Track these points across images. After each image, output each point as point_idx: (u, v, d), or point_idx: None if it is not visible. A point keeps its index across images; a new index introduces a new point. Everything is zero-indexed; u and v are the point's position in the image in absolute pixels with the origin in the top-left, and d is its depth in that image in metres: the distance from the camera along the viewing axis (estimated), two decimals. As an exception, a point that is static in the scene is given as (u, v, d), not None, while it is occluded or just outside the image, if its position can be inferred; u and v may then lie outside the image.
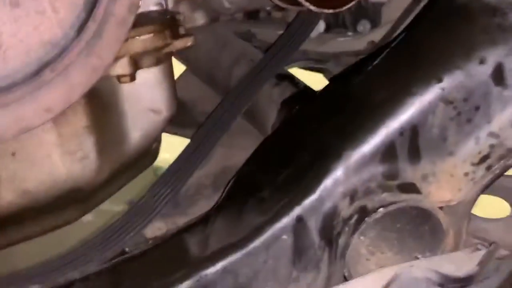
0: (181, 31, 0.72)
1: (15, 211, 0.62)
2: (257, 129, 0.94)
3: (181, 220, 0.93)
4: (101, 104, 0.65)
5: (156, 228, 0.85)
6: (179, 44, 0.70)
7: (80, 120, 0.62)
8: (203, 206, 0.96)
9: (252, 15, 0.91)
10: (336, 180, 0.57)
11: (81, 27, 0.49)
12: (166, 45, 0.68)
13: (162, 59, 0.69)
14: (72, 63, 0.49)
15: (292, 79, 0.95)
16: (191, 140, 0.88)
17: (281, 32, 0.97)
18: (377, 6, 1.13)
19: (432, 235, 0.55)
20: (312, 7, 0.73)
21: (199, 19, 0.80)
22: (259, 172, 0.69)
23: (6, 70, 0.44)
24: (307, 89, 0.90)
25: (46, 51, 0.47)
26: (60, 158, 0.62)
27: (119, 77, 0.64)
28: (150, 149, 0.79)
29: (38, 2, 0.45)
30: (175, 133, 1.11)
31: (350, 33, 1.21)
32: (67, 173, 0.63)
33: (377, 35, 1.17)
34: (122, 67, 0.63)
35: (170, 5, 0.74)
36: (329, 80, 0.74)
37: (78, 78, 0.50)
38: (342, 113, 0.61)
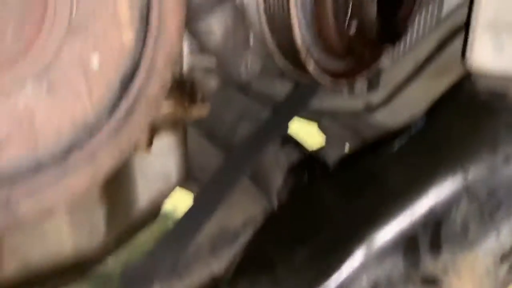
0: (198, 97, 0.71)
1: (17, 283, 0.58)
2: (261, 191, 0.93)
3: (178, 285, 0.90)
4: (113, 174, 0.63)
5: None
6: (196, 111, 0.69)
7: (92, 192, 0.60)
8: (200, 268, 0.94)
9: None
10: (358, 265, 0.56)
11: (113, 108, 0.47)
12: (184, 113, 0.67)
13: (178, 126, 0.68)
14: (100, 144, 0.47)
15: (297, 143, 0.95)
16: (193, 202, 0.86)
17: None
18: (376, 70, 1.16)
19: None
20: (328, 83, 0.74)
21: (212, 83, 0.80)
22: (271, 247, 0.67)
23: (36, 153, 0.42)
24: (313, 156, 0.90)
25: (77, 133, 0.45)
26: (68, 230, 0.59)
27: (135, 147, 0.62)
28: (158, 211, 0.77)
29: (74, 85, 0.44)
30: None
31: (346, 93, 1.23)
32: (74, 246, 0.61)
33: (375, 97, 1.19)
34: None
35: (185, 70, 0.74)
36: (344, 157, 0.75)
37: (105, 161, 0.48)
38: (363, 196, 0.61)
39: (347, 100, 1.22)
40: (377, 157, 0.66)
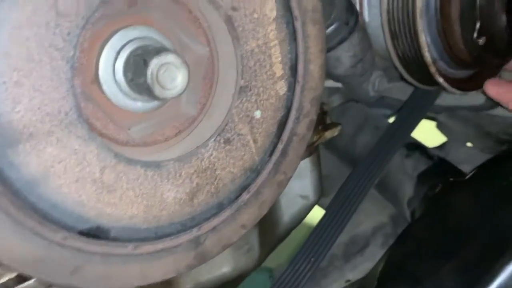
0: (328, 120, 0.77)
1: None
2: (390, 201, 0.97)
3: (318, 293, 0.97)
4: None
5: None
6: (328, 134, 0.75)
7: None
8: (336, 277, 1.00)
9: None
10: (504, 285, 0.59)
11: (272, 150, 0.55)
12: (319, 139, 0.74)
13: (313, 151, 0.75)
14: (264, 183, 0.55)
15: (424, 149, 0.97)
16: (325, 213, 0.92)
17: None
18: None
19: None
20: (457, 92, 0.76)
21: (336, 101, 0.86)
22: (413, 261, 0.72)
23: (218, 196, 0.51)
24: (442, 161, 0.92)
25: (246, 177, 0.53)
26: (230, 252, 0.69)
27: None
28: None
29: (243, 136, 0.52)
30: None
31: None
32: (234, 266, 0.70)
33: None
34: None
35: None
36: (481, 165, 0.76)
37: (267, 195, 0.56)
38: (508, 210, 0.63)
39: (465, 95, 1.21)
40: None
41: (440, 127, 1.28)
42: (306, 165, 0.76)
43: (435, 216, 0.77)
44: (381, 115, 1.08)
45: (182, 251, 0.50)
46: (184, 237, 0.50)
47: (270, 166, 0.55)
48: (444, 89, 0.74)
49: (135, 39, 0.47)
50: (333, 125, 0.76)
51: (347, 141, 1.08)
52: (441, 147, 1.26)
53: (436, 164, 0.91)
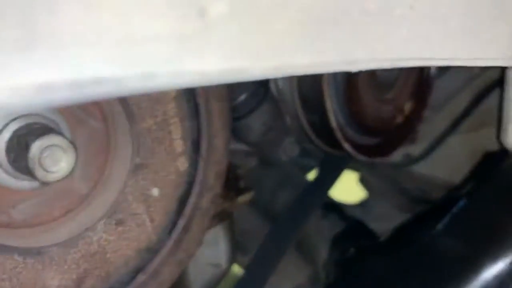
0: (241, 184, 0.77)
1: None
2: (306, 261, 0.97)
3: None
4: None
5: None
6: (241, 200, 0.75)
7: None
8: None
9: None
10: None
11: (172, 228, 0.53)
12: (231, 205, 0.73)
13: (225, 218, 0.74)
14: (162, 262, 0.53)
15: (341, 210, 0.99)
16: (244, 273, 0.91)
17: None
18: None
19: None
20: (364, 159, 0.79)
21: (252, 162, 0.86)
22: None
23: (108, 280, 0.49)
24: (357, 224, 0.93)
25: (142, 258, 0.51)
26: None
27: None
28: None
29: (138, 216, 0.50)
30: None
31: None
32: None
33: (415, 149, 1.22)
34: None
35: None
36: (394, 230, 0.78)
37: (167, 275, 0.54)
38: (420, 271, 0.64)
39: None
40: (424, 230, 0.69)
41: (362, 181, 1.31)
42: (218, 232, 0.75)
43: (347, 281, 0.77)
44: (301, 174, 1.09)
45: None
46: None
47: (170, 244, 0.53)
48: (350, 155, 0.76)
49: (22, 117, 0.45)
50: (246, 190, 0.75)
51: (268, 198, 1.08)
52: (362, 203, 1.29)
53: (352, 227, 0.93)
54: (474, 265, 0.61)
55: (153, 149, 0.50)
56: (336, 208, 0.98)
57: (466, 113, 1.09)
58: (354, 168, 1.33)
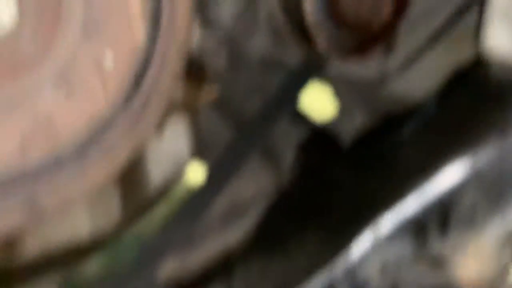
0: (206, 80, 0.74)
1: (38, 263, 0.64)
2: (271, 167, 0.97)
3: (192, 259, 0.95)
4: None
5: (169, 269, 0.87)
6: (204, 95, 0.72)
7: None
8: (213, 242, 0.99)
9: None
10: (366, 247, 0.60)
11: (127, 102, 0.50)
12: (193, 98, 0.70)
13: (189, 109, 0.71)
14: (116, 138, 0.50)
15: (308, 117, 0.97)
16: (206, 176, 0.90)
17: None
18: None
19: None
20: (340, 58, 0.76)
21: (221, 63, 0.82)
22: (283, 225, 0.72)
23: (57, 151, 0.46)
24: (325, 131, 0.92)
25: (94, 129, 0.48)
26: (85, 212, 0.64)
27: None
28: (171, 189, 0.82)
29: (90, 84, 0.46)
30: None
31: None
32: (91, 227, 0.65)
33: (390, 64, 1.20)
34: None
35: (195, 53, 0.76)
36: (357, 136, 0.77)
37: (121, 152, 0.51)
38: (375, 177, 0.64)
39: (363, 67, 1.23)
40: (389, 139, 0.68)
41: (335, 97, 1.30)
42: (180, 124, 0.73)
43: (309, 183, 0.77)
44: (273, 80, 1.06)
45: (12, 210, 0.45)
46: (15, 195, 0.45)
47: (125, 120, 0.51)
48: (327, 54, 0.73)
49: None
50: (212, 86, 0.72)
51: (238, 104, 1.06)
52: (333, 117, 1.28)
53: (319, 134, 0.92)
54: (440, 164, 0.60)
55: (109, 12, 0.45)
56: (306, 116, 0.96)
57: (443, 29, 1.06)
58: (330, 83, 1.31)
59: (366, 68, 1.25)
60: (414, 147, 0.63)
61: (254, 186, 1.05)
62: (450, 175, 0.60)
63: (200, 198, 0.85)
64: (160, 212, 0.91)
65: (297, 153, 0.91)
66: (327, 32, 0.73)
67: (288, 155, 0.96)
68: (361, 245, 0.61)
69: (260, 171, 1.05)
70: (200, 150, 1.05)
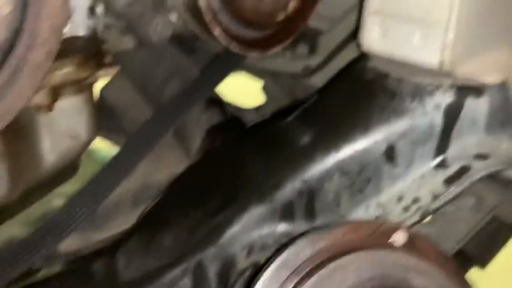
0: (107, 59, 0.74)
1: None
2: (183, 151, 0.98)
3: (96, 236, 0.96)
4: (15, 131, 0.66)
5: (69, 244, 0.87)
6: (102, 74, 0.72)
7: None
8: (121, 222, 0.99)
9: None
10: (237, 232, 0.62)
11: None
12: (89, 76, 0.70)
13: (83, 88, 0.72)
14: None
15: (222, 105, 0.99)
16: (116, 154, 0.90)
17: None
18: (315, 32, 1.19)
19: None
20: (238, 51, 0.77)
21: (128, 43, 0.82)
22: (170, 207, 0.73)
23: None
24: (234, 119, 0.94)
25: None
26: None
27: (36, 107, 0.65)
28: (69, 168, 0.81)
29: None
30: (102, 137, 1.13)
31: (288, 54, 1.26)
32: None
33: (313, 61, 1.23)
34: (40, 98, 0.65)
35: (100, 29, 0.76)
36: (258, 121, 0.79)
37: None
38: (254, 163, 0.66)
39: (288, 62, 1.25)
40: (276, 124, 0.70)
41: (263, 89, 1.32)
42: (77, 102, 0.73)
43: (202, 166, 0.78)
44: (194, 65, 1.07)
45: None
46: None
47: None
48: (224, 45, 0.74)
49: None
50: (109, 65, 0.72)
51: (158, 86, 1.07)
52: (258, 108, 1.30)
53: (228, 121, 0.93)
54: (311, 153, 0.63)
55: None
56: (218, 103, 0.98)
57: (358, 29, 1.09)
58: (259, 76, 1.33)
59: (293, 62, 1.27)
60: (293, 135, 0.65)
61: (168, 169, 1.06)
62: (316, 166, 0.62)
63: (109, 174, 0.84)
64: (61, 187, 0.91)
65: (203, 138, 0.92)
66: (226, 23, 0.74)
67: (196, 140, 0.98)
68: (234, 227, 0.63)
69: (174, 155, 1.06)
70: (112, 127, 1.06)
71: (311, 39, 1.22)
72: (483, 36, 0.57)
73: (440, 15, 0.53)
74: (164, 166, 1.04)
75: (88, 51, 0.70)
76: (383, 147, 0.60)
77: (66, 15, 0.53)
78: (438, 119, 0.59)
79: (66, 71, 0.66)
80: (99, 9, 0.73)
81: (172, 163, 1.06)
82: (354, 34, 1.11)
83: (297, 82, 1.30)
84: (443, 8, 0.53)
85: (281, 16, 0.83)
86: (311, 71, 1.26)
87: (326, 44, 1.20)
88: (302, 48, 1.22)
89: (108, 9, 0.70)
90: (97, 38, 0.74)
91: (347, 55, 1.15)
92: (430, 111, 0.59)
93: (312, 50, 1.24)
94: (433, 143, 0.59)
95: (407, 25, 0.58)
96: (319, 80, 1.27)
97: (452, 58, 0.54)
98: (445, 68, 0.55)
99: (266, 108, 1.33)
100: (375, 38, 0.62)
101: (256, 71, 1.29)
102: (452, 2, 0.52)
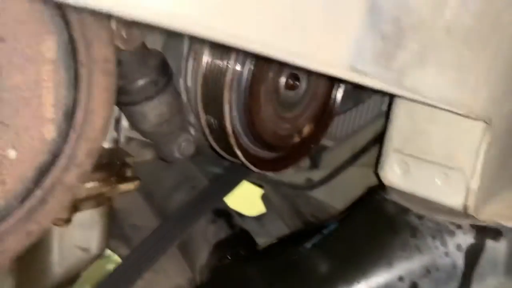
0: (128, 173, 0.74)
1: None
2: (187, 263, 0.95)
3: None
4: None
5: None
6: (123, 188, 0.72)
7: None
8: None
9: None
10: None
11: (26, 196, 0.50)
12: (111, 190, 0.69)
13: (102, 202, 0.71)
14: (8, 230, 0.49)
15: (229, 217, 0.98)
16: (121, 264, 0.87)
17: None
18: (319, 148, 1.22)
19: None
20: (255, 170, 0.79)
21: (148, 155, 0.83)
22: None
23: None
24: (242, 233, 0.92)
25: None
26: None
27: (55, 221, 0.64)
28: (76, 277, 0.78)
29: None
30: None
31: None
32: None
33: (315, 174, 1.25)
34: (61, 212, 0.63)
35: (122, 141, 0.77)
36: (271, 243, 0.78)
37: (12, 244, 0.50)
38: (286, 282, 0.64)
39: (291, 173, 1.27)
40: (296, 248, 0.69)
41: (263, 197, 1.32)
42: (93, 216, 0.71)
43: (217, 283, 0.76)
44: (201, 178, 1.07)
45: None
46: None
47: (20, 212, 0.50)
48: (242, 163, 0.76)
49: None
50: (131, 179, 0.72)
51: (164, 195, 1.06)
52: (259, 217, 1.29)
53: (236, 235, 0.92)
54: (330, 284, 0.62)
55: (17, 109, 0.46)
56: (226, 215, 0.97)
57: (365, 148, 1.13)
58: (260, 185, 1.34)
59: (295, 174, 1.29)
60: (315, 259, 0.64)
61: (170, 281, 1.02)
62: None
63: (113, 284, 0.81)
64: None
65: (210, 253, 0.90)
66: (245, 144, 0.76)
67: (203, 253, 0.95)
68: None
69: (177, 268, 1.03)
70: (121, 236, 1.03)
71: (314, 154, 1.25)
72: (501, 180, 0.59)
73: (465, 162, 0.55)
74: (166, 278, 1.00)
75: (111, 165, 0.70)
76: (406, 284, 0.59)
77: (104, 138, 0.54)
78: (459, 259, 0.59)
79: (90, 186, 0.66)
80: (124, 122, 0.75)
81: (173, 275, 1.02)
82: (358, 155, 1.16)
83: (299, 193, 1.31)
84: (468, 155, 0.55)
85: (296, 139, 0.86)
86: (313, 184, 1.28)
87: (329, 160, 1.23)
88: (305, 162, 1.25)
89: (134, 127, 0.71)
90: (120, 150, 0.75)
91: (352, 173, 1.18)
92: (452, 251, 0.59)
93: (315, 164, 1.27)
94: (454, 284, 0.59)
95: (429, 166, 0.60)
96: (321, 193, 1.28)
97: (476, 203, 0.55)
98: (469, 211, 0.56)
99: (266, 218, 1.32)
100: (397, 174, 0.63)
101: (257, 180, 1.30)
102: (478, 151, 0.55)
